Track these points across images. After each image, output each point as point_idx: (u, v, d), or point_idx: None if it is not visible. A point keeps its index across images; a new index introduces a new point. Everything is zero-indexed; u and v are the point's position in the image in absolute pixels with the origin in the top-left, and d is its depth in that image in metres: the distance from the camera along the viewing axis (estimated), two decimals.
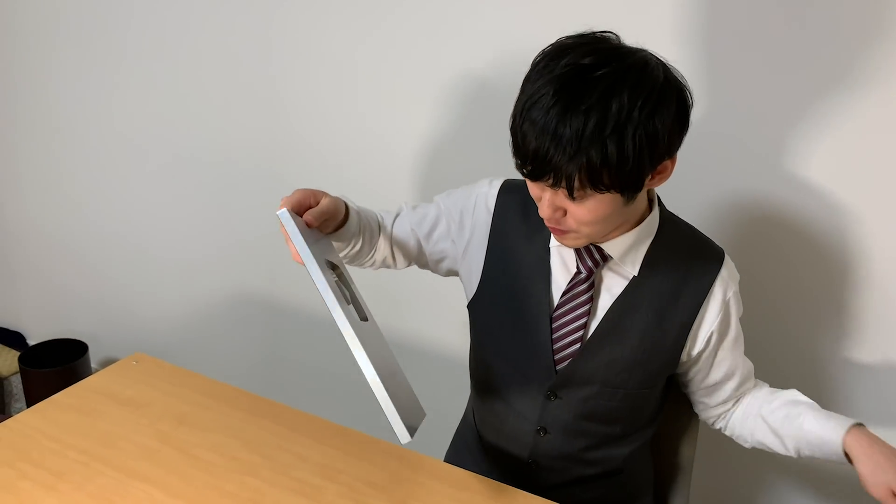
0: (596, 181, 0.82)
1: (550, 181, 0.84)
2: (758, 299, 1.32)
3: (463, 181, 1.16)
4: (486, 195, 1.09)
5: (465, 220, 1.10)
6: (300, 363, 1.99)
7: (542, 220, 1.00)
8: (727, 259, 1.04)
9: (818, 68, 1.21)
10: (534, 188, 0.90)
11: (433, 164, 1.59)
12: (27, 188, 2.30)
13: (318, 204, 0.93)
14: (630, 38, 0.87)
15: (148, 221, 2.10)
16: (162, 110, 1.93)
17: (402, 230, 1.13)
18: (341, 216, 0.99)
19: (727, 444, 1.45)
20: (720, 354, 1.07)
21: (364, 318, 0.92)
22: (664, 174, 0.89)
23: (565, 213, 0.89)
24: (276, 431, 1.14)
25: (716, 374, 1.09)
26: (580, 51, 0.83)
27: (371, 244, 1.09)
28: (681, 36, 1.27)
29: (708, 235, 1.07)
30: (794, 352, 1.37)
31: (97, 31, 1.93)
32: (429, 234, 1.13)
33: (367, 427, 1.20)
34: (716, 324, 1.03)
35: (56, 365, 2.18)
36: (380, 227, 1.12)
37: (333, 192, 1.00)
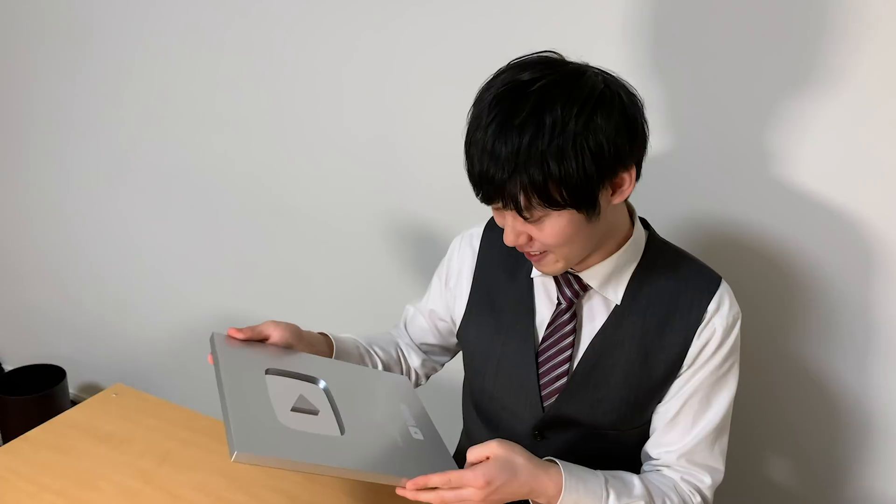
0: (544, 198, 0.78)
1: (500, 204, 0.82)
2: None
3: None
4: (470, 236, 1.08)
5: (451, 267, 1.10)
6: None
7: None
8: (723, 289, 0.93)
9: (782, 70, 1.14)
10: (497, 216, 0.88)
11: (424, 177, 1.56)
12: (2, 209, 2.24)
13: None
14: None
15: (129, 242, 2.05)
16: (143, 133, 1.88)
17: (418, 323, 1.16)
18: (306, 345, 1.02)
19: (744, 479, 1.42)
20: (679, 394, 0.94)
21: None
22: (623, 187, 0.84)
23: (530, 238, 0.86)
24: (265, 469, 1.09)
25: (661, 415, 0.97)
26: (519, 68, 0.81)
27: (397, 362, 1.14)
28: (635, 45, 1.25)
29: (694, 253, 0.98)
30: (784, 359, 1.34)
31: (80, 37, 1.88)
32: (435, 305, 1.13)
33: None
34: (701, 361, 0.93)
35: (33, 391, 2.11)
36: (397, 348, 1.15)
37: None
